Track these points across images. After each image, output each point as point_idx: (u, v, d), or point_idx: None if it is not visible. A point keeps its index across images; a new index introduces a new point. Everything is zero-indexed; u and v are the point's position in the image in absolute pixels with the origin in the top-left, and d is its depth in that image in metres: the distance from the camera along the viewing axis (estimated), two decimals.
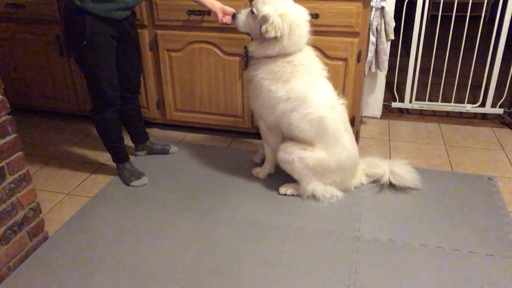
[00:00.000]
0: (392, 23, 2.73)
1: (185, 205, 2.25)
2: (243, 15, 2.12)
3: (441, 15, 3.14)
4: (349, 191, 2.31)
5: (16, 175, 1.82)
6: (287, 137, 2.25)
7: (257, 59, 2.13)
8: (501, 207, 2.18)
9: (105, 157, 2.72)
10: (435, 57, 3.15)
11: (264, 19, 1.98)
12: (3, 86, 1.72)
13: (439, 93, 3.24)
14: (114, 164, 2.51)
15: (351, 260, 1.85)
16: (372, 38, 2.74)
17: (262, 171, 2.46)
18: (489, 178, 2.43)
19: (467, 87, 3.18)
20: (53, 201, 2.33)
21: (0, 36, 3.08)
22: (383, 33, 2.72)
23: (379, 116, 3.30)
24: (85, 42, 2.07)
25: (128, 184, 2.43)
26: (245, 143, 2.92)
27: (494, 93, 3.09)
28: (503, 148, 2.79)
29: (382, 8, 2.65)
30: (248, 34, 2.19)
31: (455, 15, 3.01)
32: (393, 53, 3.05)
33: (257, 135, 2.79)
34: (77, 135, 3.09)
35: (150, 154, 2.75)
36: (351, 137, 2.25)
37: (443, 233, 2.01)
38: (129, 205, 2.27)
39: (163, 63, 2.82)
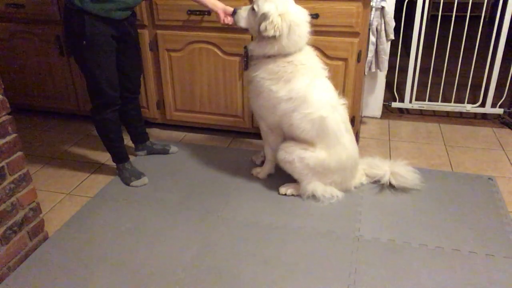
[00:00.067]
0: (392, 23, 2.73)
1: (185, 205, 2.25)
2: (244, 11, 2.12)
3: (441, 15, 3.14)
4: (349, 191, 2.31)
5: (16, 175, 1.82)
6: (288, 137, 2.25)
7: (257, 59, 2.13)
8: (501, 207, 2.18)
9: (105, 157, 2.72)
10: (435, 57, 3.15)
11: (264, 17, 1.97)
12: (3, 86, 1.72)
13: (439, 93, 3.24)
14: (114, 164, 2.51)
15: (351, 260, 1.85)
16: (372, 38, 2.74)
17: (262, 171, 2.46)
18: (489, 178, 2.43)
19: (467, 87, 3.18)
20: (53, 201, 2.33)
21: (0, 36, 3.08)
22: (383, 33, 2.72)
23: (379, 116, 3.30)
24: (84, 42, 2.07)
25: (128, 184, 2.43)
26: (245, 143, 2.92)
27: (494, 93, 3.09)
28: (503, 148, 2.79)
29: (382, 8, 2.65)
30: (246, 29, 2.18)
31: (455, 15, 3.01)
32: (393, 53, 3.05)
33: (257, 135, 2.79)
34: (77, 135, 3.09)
35: (150, 154, 2.75)
36: (352, 137, 2.25)
37: (443, 233, 2.01)
38: (129, 205, 2.27)
39: (163, 63, 2.82)
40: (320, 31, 2.40)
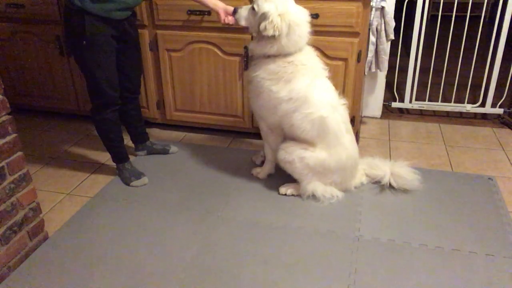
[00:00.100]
0: (392, 23, 2.73)
1: (185, 205, 2.25)
2: (244, 10, 2.12)
3: (441, 15, 3.14)
4: (349, 191, 2.31)
5: (16, 175, 1.82)
6: (288, 137, 2.25)
7: (257, 59, 2.13)
8: (501, 207, 2.18)
9: (105, 157, 2.72)
10: (435, 57, 3.15)
11: (264, 17, 1.98)
12: (3, 86, 1.72)
13: (439, 93, 3.24)
14: (114, 164, 2.51)
15: (351, 260, 1.85)
16: (372, 38, 2.74)
17: (262, 171, 2.46)
18: (489, 178, 2.43)
19: (467, 87, 3.18)
20: (53, 201, 2.33)
21: (0, 36, 3.08)
22: (383, 33, 2.72)
23: (379, 116, 3.30)
24: (84, 42, 2.07)
25: (128, 184, 2.43)
26: (245, 143, 2.92)
27: (494, 93, 3.09)
28: (503, 148, 2.79)
29: (382, 8, 2.65)
30: (247, 28, 2.18)
31: (455, 15, 3.01)
32: (393, 53, 3.05)
33: (257, 135, 2.79)
34: (77, 135, 3.09)
35: (150, 154, 2.75)
36: (352, 137, 2.25)
37: (443, 233, 2.01)
38: (129, 205, 2.27)
39: (163, 63, 2.82)
40: (320, 31, 2.40)
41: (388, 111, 3.38)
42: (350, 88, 2.56)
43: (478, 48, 3.07)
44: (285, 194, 2.30)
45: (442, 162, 2.64)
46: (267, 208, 2.21)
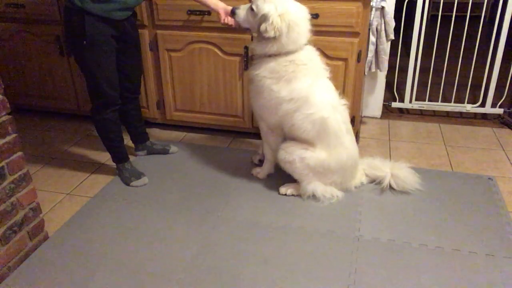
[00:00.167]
0: (392, 23, 2.73)
1: (185, 205, 2.25)
2: (242, 10, 2.12)
3: (441, 15, 3.14)
4: (349, 191, 2.31)
5: (16, 175, 1.82)
6: (288, 137, 2.25)
7: (258, 58, 2.13)
8: (501, 207, 2.18)
9: (105, 157, 2.72)
10: (435, 57, 3.15)
11: (264, 18, 1.97)
12: (3, 86, 1.72)
13: (439, 93, 3.24)
14: (114, 164, 2.51)
15: (351, 260, 1.85)
16: (372, 38, 2.74)
17: (262, 171, 2.46)
18: (489, 178, 2.43)
19: (467, 87, 3.18)
20: (53, 201, 2.33)
21: (0, 36, 3.08)
22: (383, 33, 2.72)
23: (379, 116, 3.30)
24: (85, 42, 2.07)
25: (128, 184, 2.43)
26: (245, 143, 2.92)
27: (494, 93, 3.09)
28: (503, 148, 2.79)
29: (382, 8, 2.65)
30: (247, 28, 2.18)
31: (455, 15, 3.01)
32: (393, 53, 3.05)
33: (257, 135, 2.79)
34: (77, 135, 3.09)
35: (150, 154, 2.75)
36: (352, 137, 2.25)
37: (443, 233, 2.01)
38: (129, 205, 2.27)
39: (163, 63, 2.82)
40: (320, 31, 2.40)
41: (388, 111, 3.38)
42: (350, 88, 2.56)
43: (478, 48, 3.07)
44: (285, 194, 2.30)
45: (442, 162, 2.64)
46: (267, 208, 2.21)
